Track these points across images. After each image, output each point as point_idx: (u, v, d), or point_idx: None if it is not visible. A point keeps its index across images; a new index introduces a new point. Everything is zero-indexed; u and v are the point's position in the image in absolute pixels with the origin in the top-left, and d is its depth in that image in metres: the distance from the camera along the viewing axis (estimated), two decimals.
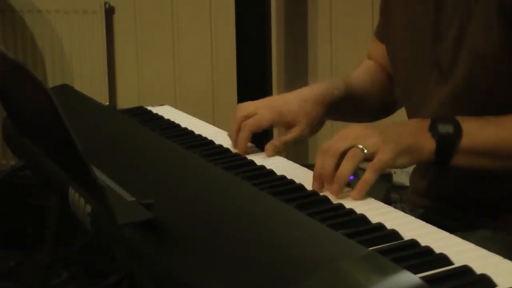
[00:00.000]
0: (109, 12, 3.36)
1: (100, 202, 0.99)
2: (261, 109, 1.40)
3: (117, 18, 3.39)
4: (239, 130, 1.39)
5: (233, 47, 3.02)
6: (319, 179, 1.16)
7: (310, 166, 1.26)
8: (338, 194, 1.13)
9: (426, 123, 1.21)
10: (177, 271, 0.93)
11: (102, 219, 1.10)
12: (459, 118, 1.21)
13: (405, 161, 1.18)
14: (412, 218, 1.04)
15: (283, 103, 1.41)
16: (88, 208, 1.13)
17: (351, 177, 1.15)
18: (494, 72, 1.27)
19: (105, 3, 3.33)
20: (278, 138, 1.39)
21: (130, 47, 3.39)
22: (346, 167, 1.14)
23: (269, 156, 1.35)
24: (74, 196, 1.18)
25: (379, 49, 1.57)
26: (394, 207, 1.11)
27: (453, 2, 1.30)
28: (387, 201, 1.15)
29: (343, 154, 1.15)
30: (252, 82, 3.02)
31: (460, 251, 0.92)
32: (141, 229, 1.01)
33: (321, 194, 1.13)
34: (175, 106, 1.78)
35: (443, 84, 1.33)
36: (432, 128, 1.20)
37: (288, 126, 1.40)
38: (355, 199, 1.11)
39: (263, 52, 3.02)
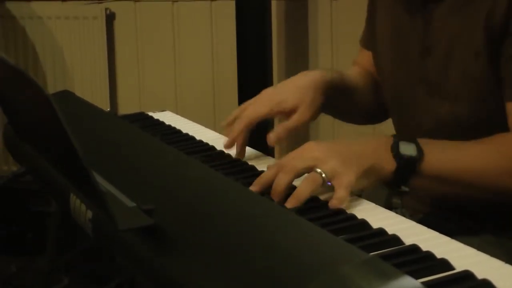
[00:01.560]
0: (110, 18, 3.37)
1: (101, 208, 0.98)
2: (256, 103, 1.39)
3: (117, 24, 3.39)
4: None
5: (234, 52, 3.02)
6: (263, 187, 1.15)
7: None
8: (294, 206, 1.11)
9: (388, 142, 1.20)
10: (178, 276, 0.93)
11: (103, 225, 1.10)
12: (420, 141, 1.20)
13: (366, 183, 1.16)
14: (413, 223, 1.04)
15: (278, 92, 1.39)
16: (89, 214, 1.13)
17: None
18: (483, 93, 1.27)
19: (106, 9, 3.33)
20: (280, 125, 1.37)
21: (130, 53, 3.39)
22: (305, 189, 1.12)
23: (272, 145, 1.33)
24: (75, 202, 1.18)
25: (366, 56, 1.58)
26: (395, 212, 1.11)
27: (441, 18, 1.30)
28: (388, 206, 1.14)
29: (298, 174, 1.14)
30: (253, 87, 3.01)
31: (462, 256, 0.92)
32: (142, 235, 1.01)
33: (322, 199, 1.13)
34: (176, 111, 1.78)
35: (433, 99, 1.34)
36: (394, 148, 1.19)
37: (288, 114, 1.37)
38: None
39: (263, 57, 3.02)
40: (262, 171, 1.26)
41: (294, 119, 1.36)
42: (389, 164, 1.18)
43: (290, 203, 1.11)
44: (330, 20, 3.13)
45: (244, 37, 2.99)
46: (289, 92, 1.38)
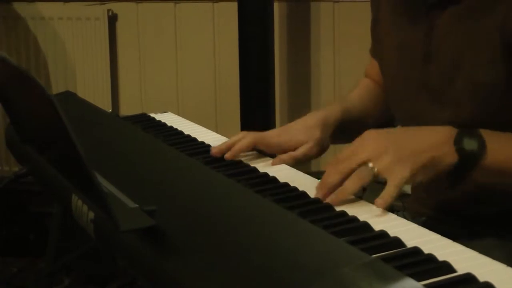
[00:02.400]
0: (112, 19, 3.37)
1: (103, 208, 0.99)
2: (267, 133, 1.42)
3: (120, 25, 3.39)
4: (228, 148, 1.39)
5: (236, 54, 3.02)
6: (329, 191, 1.15)
7: (313, 174, 1.27)
8: (334, 204, 1.12)
9: (452, 135, 1.18)
10: (180, 278, 0.93)
11: (105, 226, 1.10)
12: (483, 133, 1.19)
13: (423, 176, 1.15)
14: (415, 225, 1.04)
15: (287, 131, 1.43)
16: (91, 214, 1.13)
17: None
18: (496, 102, 1.26)
19: (108, 10, 3.33)
20: (287, 154, 1.39)
21: (133, 54, 3.39)
22: (350, 186, 1.12)
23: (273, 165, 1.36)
24: (77, 203, 1.19)
25: (374, 66, 1.58)
26: (396, 215, 1.11)
27: (445, 26, 1.30)
28: (390, 208, 1.14)
29: (352, 171, 1.14)
30: (255, 89, 3.02)
31: (463, 258, 0.92)
32: (144, 236, 1.01)
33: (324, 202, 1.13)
34: (178, 113, 1.78)
35: (436, 106, 1.33)
36: (458, 142, 1.17)
37: (295, 149, 1.40)
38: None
39: (266, 59, 3.02)
40: (264, 173, 1.26)
41: (301, 152, 1.39)
42: (450, 158, 1.16)
43: (331, 199, 1.12)
44: (332, 22, 3.13)
45: (246, 38, 2.99)
46: (296, 131, 1.42)
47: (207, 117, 3.24)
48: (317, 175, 1.21)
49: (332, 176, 1.14)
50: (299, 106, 3.15)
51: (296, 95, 3.21)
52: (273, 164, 1.36)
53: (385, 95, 1.53)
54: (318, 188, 1.16)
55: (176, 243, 0.99)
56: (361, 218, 1.05)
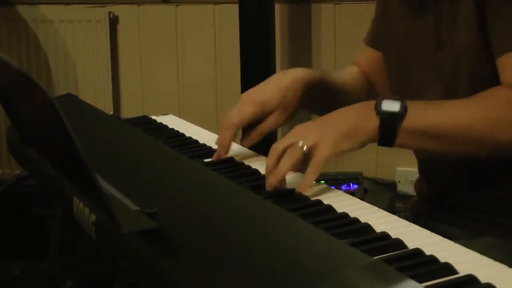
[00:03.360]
0: (113, 21, 3.37)
1: (104, 211, 0.99)
2: (242, 108, 1.40)
3: (121, 27, 3.39)
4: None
5: (237, 56, 3.02)
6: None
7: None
8: (270, 188, 1.17)
9: (373, 102, 1.22)
10: (182, 280, 0.93)
11: (106, 228, 1.10)
12: (406, 100, 1.21)
13: (349, 145, 1.19)
14: (417, 227, 1.04)
15: (260, 93, 1.41)
16: (93, 217, 1.13)
17: (356, 186, 1.16)
18: (474, 64, 1.28)
19: (109, 13, 3.34)
20: (254, 130, 1.40)
21: (134, 57, 3.39)
22: (283, 164, 1.17)
23: (246, 147, 1.39)
24: (79, 205, 1.18)
25: (367, 55, 1.59)
26: (398, 216, 1.11)
27: (449, 8, 1.31)
28: (391, 210, 1.14)
29: (282, 153, 1.19)
30: None
31: (465, 260, 0.92)
32: (146, 238, 1.01)
33: (325, 203, 1.13)
34: (179, 115, 1.78)
35: (433, 85, 1.34)
36: (378, 106, 1.20)
37: (269, 114, 1.40)
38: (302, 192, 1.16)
39: (267, 60, 3.02)
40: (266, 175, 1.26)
41: (268, 124, 1.39)
42: (372, 121, 1.19)
43: (268, 183, 1.17)
44: (333, 24, 3.13)
45: (247, 40, 2.99)
46: (270, 92, 1.40)
47: (208, 119, 3.23)
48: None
49: (267, 162, 1.19)
50: None
51: None
52: (243, 144, 1.39)
53: (389, 85, 1.53)
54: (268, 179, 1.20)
55: (178, 245, 0.99)
56: (363, 219, 1.05)
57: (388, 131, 1.20)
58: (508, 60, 1.22)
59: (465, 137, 1.20)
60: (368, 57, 1.59)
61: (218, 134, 1.40)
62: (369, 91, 1.58)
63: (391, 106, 1.20)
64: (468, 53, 1.28)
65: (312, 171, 1.16)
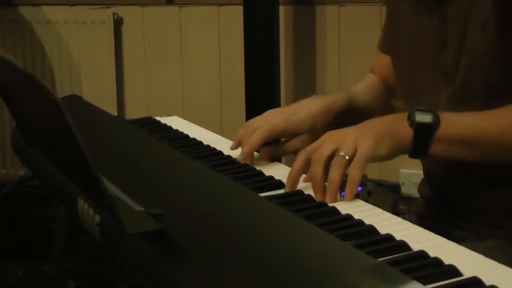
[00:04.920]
0: (118, 23, 3.37)
1: (109, 212, 0.99)
2: (275, 120, 1.41)
3: (125, 29, 3.40)
4: (239, 144, 1.40)
5: (242, 57, 3.02)
6: (295, 180, 1.20)
7: None
8: (332, 202, 1.14)
9: (405, 113, 1.23)
10: (186, 282, 0.93)
11: (110, 229, 1.10)
12: (439, 112, 1.23)
13: (386, 148, 1.19)
14: (421, 229, 1.04)
15: (292, 113, 1.43)
16: (97, 218, 1.14)
17: (360, 188, 1.16)
18: (490, 71, 1.27)
19: (114, 14, 3.34)
20: (278, 146, 1.42)
21: (138, 58, 3.40)
22: (336, 174, 1.16)
23: (265, 159, 1.39)
24: (83, 206, 1.19)
25: (382, 62, 1.59)
26: (402, 218, 1.11)
27: (455, 10, 1.31)
28: (395, 212, 1.14)
29: (328, 160, 1.18)
30: (260, 92, 3.02)
31: (470, 262, 0.91)
32: (150, 240, 1.01)
33: (330, 205, 1.13)
34: (183, 116, 1.78)
35: (447, 89, 1.34)
36: (411, 117, 1.22)
37: (293, 136, 1.43)
38: (348, 200, 1.14)
39: (271, 62, 3.02)
40: (270, 176, 1.26)
41: (295, 145, 1.42)
42: (406, 133, 1.21)
43: (328, 199, 1.15)
44: (337, 26, 3.13)
45: (251, 42, 2.99)
46: (302, 117, 1.42)
47: (213, 120, 3.24)
48: None
49: (314, 170, 1.17)
50: None
51: (302, 98, 3.20)
52: (263, 156, 1.39)
53: (396, 90, 1.54)
54: (288, 181, 1.20)
55: (182, 246, 0.99)
56: (367, 221, 1.05)
57: (422, 141, 1.21)
58: None
59: (499, 145, 1.22)
60: (383, 63, 1.59)
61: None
62: (389, 97, 1.59)
63: (424, 117, 1.21)
64: (484, 59, 1.27)
65: (357, 169, 1.16)
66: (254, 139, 1.37)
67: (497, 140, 1.22)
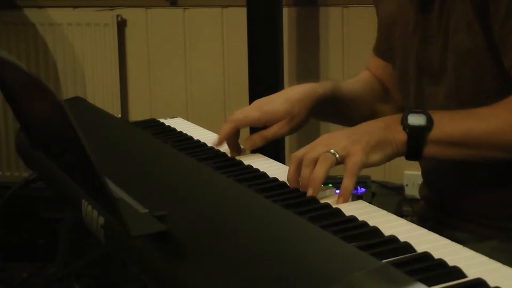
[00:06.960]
0: (121, 25, 3.38)
1: (113, 214, 0.99)
2: (249, 111, 1.45)
3: (129, 31, 3.40)
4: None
5: (245, 59, 3.02)
6: (294, 183, 1.21)
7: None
8: (315, 195, 1.16)
9: (399, 116, 1.24)
10: (191, 283, 0.93)
11: (115, 231, 1.11)
12: (431, 111, 1.23)
13: (378, 156, 1.20)
14: (425, 230, 1.04)
15: (268, 103, 1.45)
16: (101, 220, 1.14)
17: (364, 189, 1.16)
18: (477, 67, 1.28)
19: (117, 16, 3.35)
20: (258, 133, 1.43)
21: (142, 60, 3.40)
22: (319, 169, 1.17)
23: (248, 149, 1.43)
24: (87, 208, 1.19)
25: (376, 63, 1.60)
26: (406, 220, 1.11)
27: (439, 7, 1.31)
28: (399, 214, 1.14)
29: (316, 162, 1.19)
30: (264, 94, 3.01)
31: (474, 263, 0.91)
32: (154, 241, 1.01)
33: (334, 206, 1.13)
34: (187, 118, 1.79)
35: (435, 86, 1.35)
36: (404, 120, 1.22)
37: (272, 124, 1.44)
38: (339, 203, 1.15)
39: (275, 63, 3.02)
40: (274, 178, 1.26)
41: (272, 131, 1.42)
42: (400, 136, 1.21)
43: (310, 191, 1.16)
44: (341, 27, 3.14)
45: (255, 43, 2.99)
46: (278, 102, 1.43)
47: (216, 122, 3.22)
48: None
49: (303, 171, 1.19)
50: None
51: None
52: (245, 146, 1.43)
53: (388, 94, 1.54)
54: (289, 182, 1.21)
55: (187, 248, 0.99)
56: (371, 223, 1.05)
57: (416, 144, 1.22)
58: None
59: (492, 142, 1.22)
60: (377, 64, 1.61)
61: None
62: (384, 95, 1.59)
63: (417, 119, 1.22)
64: (471, 57, 1.28)
65: (349, 179, 1.16)
66: (221, 132, 1.42)
67: (490, 139, 1.23)
